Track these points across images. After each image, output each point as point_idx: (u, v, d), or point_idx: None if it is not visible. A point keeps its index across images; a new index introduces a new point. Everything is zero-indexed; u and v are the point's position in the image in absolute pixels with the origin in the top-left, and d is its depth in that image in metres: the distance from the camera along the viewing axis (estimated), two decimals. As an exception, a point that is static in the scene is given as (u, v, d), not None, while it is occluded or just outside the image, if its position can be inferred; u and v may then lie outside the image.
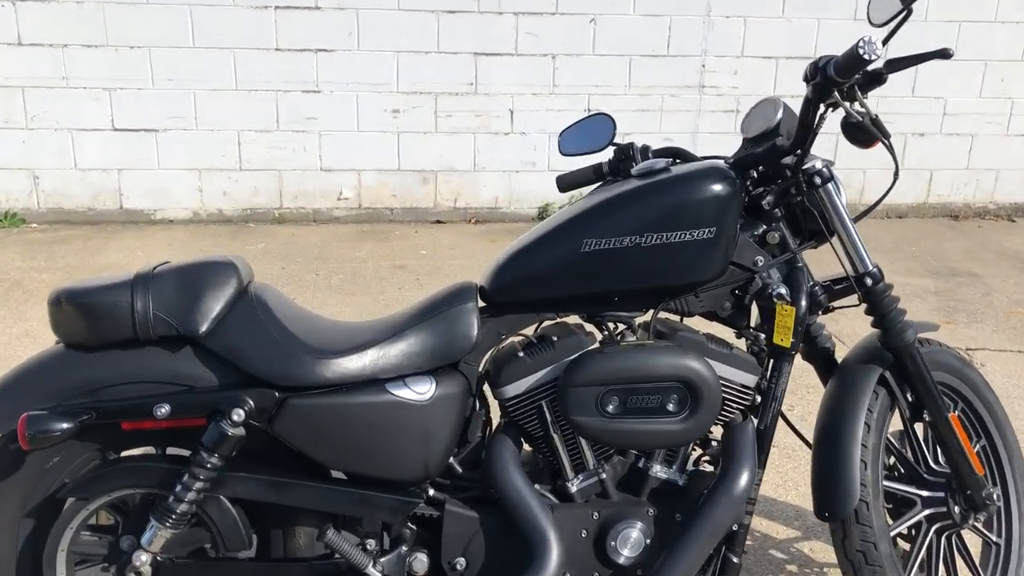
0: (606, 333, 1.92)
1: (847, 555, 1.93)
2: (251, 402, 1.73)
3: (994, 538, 2.17)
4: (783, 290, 1.90)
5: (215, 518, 1.79)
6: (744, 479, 1.83)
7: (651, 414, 1.79)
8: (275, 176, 5.76)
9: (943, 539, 2.09)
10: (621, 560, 1.86)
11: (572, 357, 1.84)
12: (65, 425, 1.66)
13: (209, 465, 1.72)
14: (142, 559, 1.73)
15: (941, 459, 2.13)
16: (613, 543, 1.86)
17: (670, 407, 1.79)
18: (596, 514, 1.87)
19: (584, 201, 1.94)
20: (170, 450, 1.85)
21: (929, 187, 6.31)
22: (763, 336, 1.95)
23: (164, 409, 1.72)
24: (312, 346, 1.78)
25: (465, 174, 5.89)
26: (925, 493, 2.07)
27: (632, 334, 1.90)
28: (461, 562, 1.84)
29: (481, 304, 1.89)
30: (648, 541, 1.87)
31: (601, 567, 1.88)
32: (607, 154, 2.12)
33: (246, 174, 5.74)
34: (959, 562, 2.11)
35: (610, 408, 1.78)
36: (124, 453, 1.85)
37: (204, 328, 1.73)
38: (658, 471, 1.91)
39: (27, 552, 1.83)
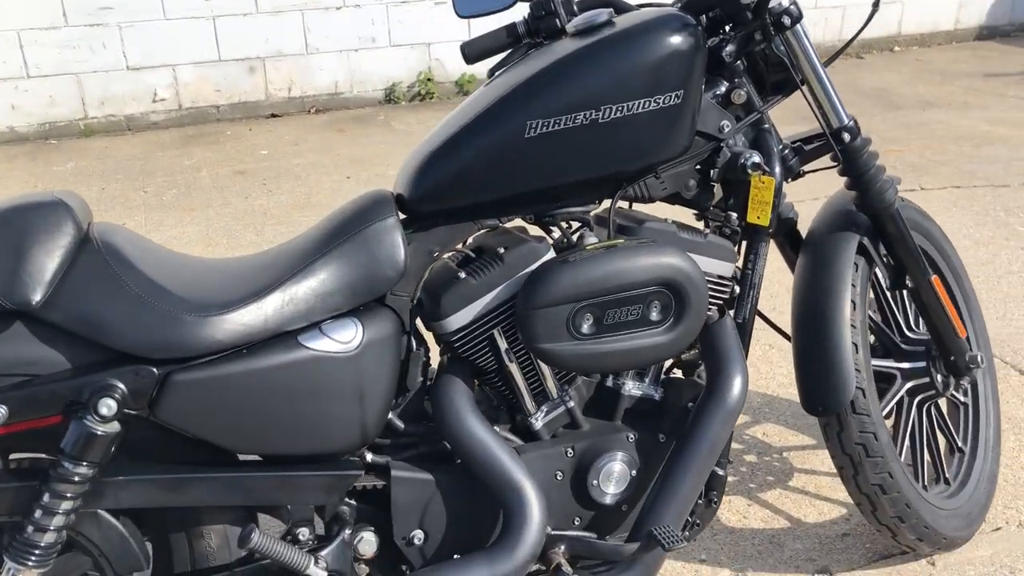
0: (560, 236, 1.57)
1: (844, 449, 1.72)
2: (122, 386, 1.29)
3: (962, 398, 2.03)
4: (757, 158, 1.59)
5: (95, 539, 1.36)
6: (737, 385, 1.55)
7: (632, 327, 1.46)
8: (73, 81, 4.95)
9: (924, 412, 1.92)
10: (607, 500, 1.57)
11: (528, 270, 1.47)
12: None
13: (76, 477, 1.28)
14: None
15: (916, 327, 1.94)
16: (595, 482, 1.56)
17: (653, 316, 1.47)
18: (570, 451, 1.56)
19: (513, 74, 1.54)
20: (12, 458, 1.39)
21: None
22: (734, 216, 1.65)
23: (2, 410, 1.26)
24: (193, 300, 1.34)
25: (297, 58, 5.25)
26: (905, 365, 1.88)
27: (591, 233, 1.55)
28: (418, 535, 1.50)
29: (402, 217, 1.49)
30: (634, 472, 1.58)
31: (582, 511, 1.58)
32: (519, 11, 1.71)
33: (36, 82, 4.90)
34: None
35: (584, 328, 1.44)
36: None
37: (38, 295, 1.26)
38: (631, 388, 1.61)
39: None
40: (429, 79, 5.48)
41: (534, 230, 1.59)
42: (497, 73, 1.63)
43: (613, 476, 1.56)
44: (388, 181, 4.25)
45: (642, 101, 1.45)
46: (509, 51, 1.69)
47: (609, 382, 1.62)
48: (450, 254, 1.55)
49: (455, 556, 1.48)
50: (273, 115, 5.28)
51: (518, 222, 1.59)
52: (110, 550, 1.37)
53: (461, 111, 1.54)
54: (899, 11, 6.33)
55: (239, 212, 3.83)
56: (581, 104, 1.44)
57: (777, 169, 1.62)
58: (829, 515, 2.06)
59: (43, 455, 1.37)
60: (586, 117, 1.44)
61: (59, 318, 1.28)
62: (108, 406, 1.26)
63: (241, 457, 1.45)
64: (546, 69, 1.47)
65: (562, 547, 1.49)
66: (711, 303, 1.60)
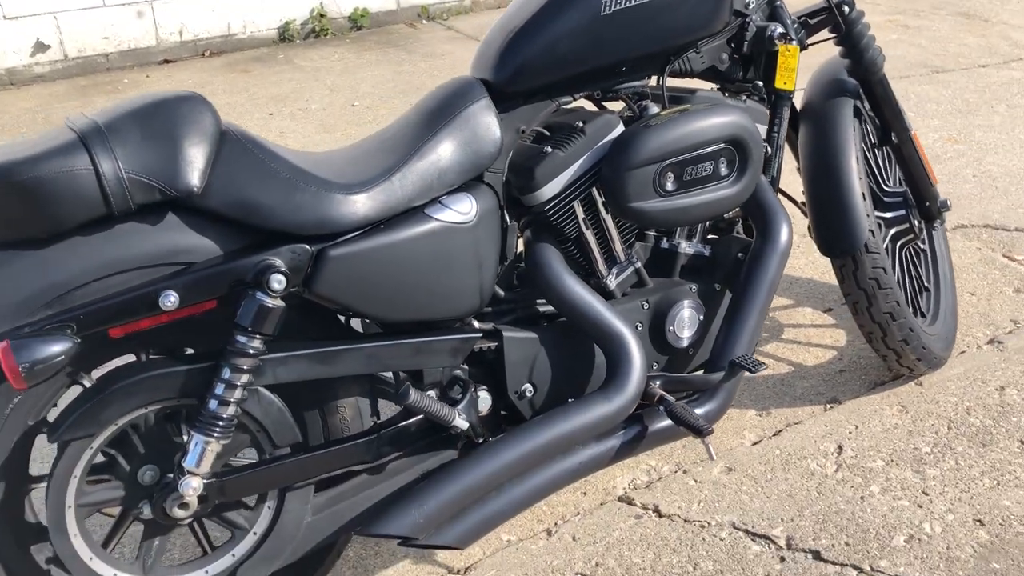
0: (624, 109, 1.73)
1: (859, 285, 1.97)
2: (283, 264, 1.37)
3: (922, 245, 2.32)
4: (782, 29, 1.80)
5: (257, 414, 1.44)
6: (785, 231, 1.77)
7: (706, 182, 1.65)
8: (-56, 34, 4.64)
9: (904, 254, 2.21)
10: (681, 343, 1.77)
11: (606, 140, 1.63)
12: (62, 346, 1.23)
13: (251, 351, 1.36)
14: (193, 485, 1.37)
15: (893, 180, 2.21)
16: (671, 328, 1.76)
17: (722, 171, 1.66)
18: (645, 304, 1.74)
19: None
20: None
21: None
22: (761, 84, 1.86)
23: (172, 298, 1.31)
24: (335, 180, 1.43)
25: (187, 0, 5.09)
26: (888, 215, 2.15)
27: (653, 104, 1.72)
28: (528, 388, 1.65)
29: None
30: (700, 317, 1.78)
31: (659, 356, 1.78)
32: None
33: (-98, 37, 4.57)
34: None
35: (668, 185, 1.61)
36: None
37: (198, 182, 1.32)
38: (685, 247, 1.81)
39: (10, 522, 1.39)
40: (322, 15, 5.43)
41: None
42: None
43: (685, 322, 1.76)
44: (312, 115, 4.28)
45: None
46: None
47: (665, 243, 1.81)
48: (529, 133, 1.68)
49: (563, 402, 1.64)
50: (166, 60, 5.11)
51: (582, 102, 1.74)
52: (270, 424, 1.46)
53: None
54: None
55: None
56: None
57: (797, 38, 1.83)
58: (824, 357, 2.34)
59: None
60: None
61: (215, 204, 1.34)
62: (279, 281, 1.35)
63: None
64: None
65: (658, 383, 1.68)
66: None
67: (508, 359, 1.62)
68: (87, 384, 1.38)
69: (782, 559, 1.74)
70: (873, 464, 1.96)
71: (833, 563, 1.72)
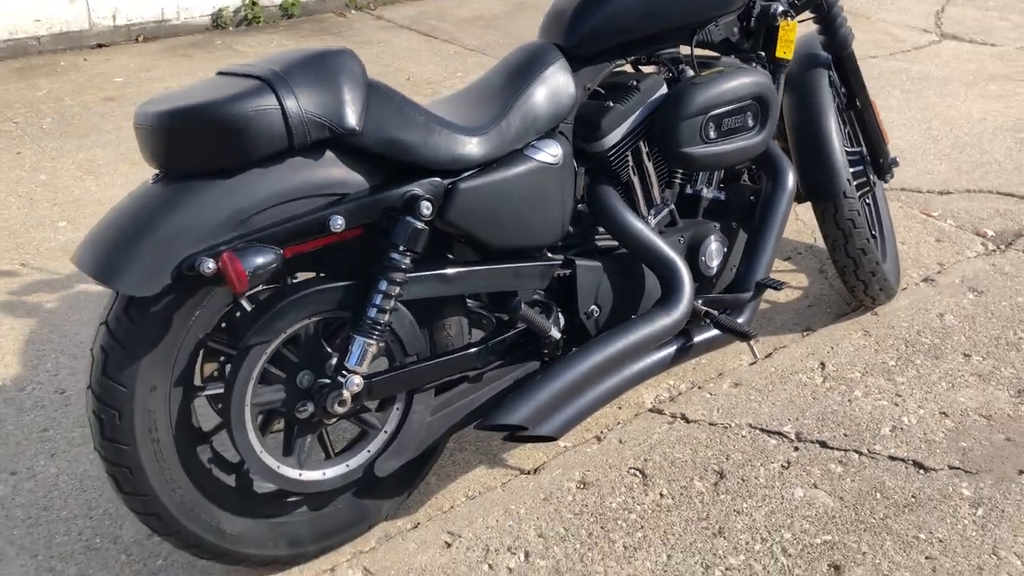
0: (664, 71, 2.04)
1: (839, 225, 2.35)
2: (427, 193, 1.62)
3: (869, 200, 2.74)
4: (783, 7, 2.15)
5: (395, 325, 1.68)
6: (790, 176, 2.13)
7: (738, 132, 1.98)
8: None
9: (861, 203, 2.61)
10: (711, 271, 2.10)
11: (656, 96, 1.94)
12: (274, 255, 1.44)
13: (404, 266, 1.60)
14: (356, 382, 1.59)
15: (853, 141, 2.61)
16: (703, 258, 2.08)
17: (750, 123, 1.99)
18: (681, 239, 2.06)
19: None
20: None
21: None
22: (763, 54, 2.21)
23: (339, 221, 1.54)
24: (460, 124, 1.68)
25: (121, -16, 5.11)
26: (851, 170, 2.55)
27: (688, 68, 2.03)
28: (595, 309, 1.94)
29: None
30: (725, 250, 2.11)
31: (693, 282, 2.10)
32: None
33: None
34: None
35: (711, 134, 1.94)
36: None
37: (358, 123, 1.55)
38: (707, 192, 2.14)
39: (188, 421, 1.58)
40: (255, 3, 5.53)
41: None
42: None
43: (713, 254, 2.09)
44: None
45: None
46: None
47: (689, 189, 2.13)
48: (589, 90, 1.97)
49: (619, 321, 1.94)
50: (99, 45, 5.11)
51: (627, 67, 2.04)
52: (404, 335, 1.70)
53: None
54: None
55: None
56: None
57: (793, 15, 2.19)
58: (793, 296, 2.73)
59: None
60: None
61: (368, 143, 1.57)
62: (427, 207, 1.59)
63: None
64: None
65: (700, 302, 2.00)
66: None
67: (580, 284, 1.90)
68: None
69: (796, 448, 2.09)
70: (852, 375, 2.35)
71: (838, 449, 2.08)
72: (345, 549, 1.82)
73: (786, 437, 2.13)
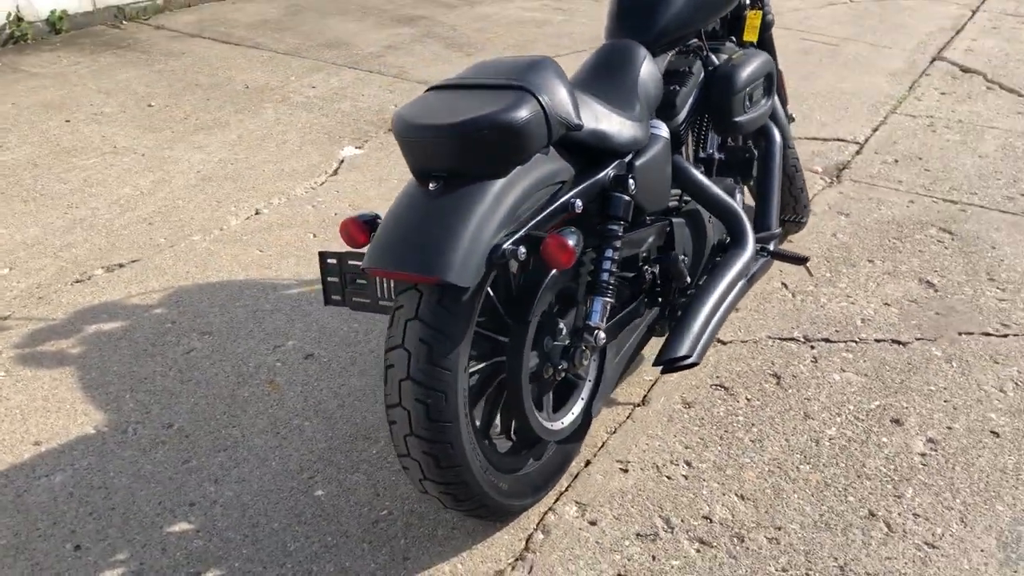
0: (698, 56, 2.46)
1: (785, 171, 2.94)
2: (622, 172, 1.93)
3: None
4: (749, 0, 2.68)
5: None
6: (778, 133, 2.66)
7: (760, 101, 2.47)
8: None
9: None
10: None
11: (702, 77, 2.37)
12: (578, 235, 1.69)
13: (620, 233, 1.90)
14: (601, 337, 1.87)
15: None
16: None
17: (764, 93, 2.49)
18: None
19: None
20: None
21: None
22: (733, 39, 2.72)
23: (579, 203, 1.82)
24: (628, 113, 2.00)
25: None
26: (765, 127, 3.16)
27: (712, 53, 2.48)
28: (684, 257, 2.35)
29: None
30: (740, 197, 2.61)
31: None
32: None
33: None
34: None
35: (749, 103, 2.41)
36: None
37: (580, 118, 1.82)
38: (716, 155, 2.62)
39: (475, 396, 1.78)
40: (20, 19, 5.09)
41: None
42: None
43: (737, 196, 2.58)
44: (117, 119, 4.21)
45: None
46: None
47: (702, 153, 2.60)
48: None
49: (697, 265, 2.37)
50: None
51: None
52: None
53: None
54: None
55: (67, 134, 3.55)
56: None
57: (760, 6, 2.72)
58: (726, 236, 3.30)
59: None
60: None
61: (582, 136, 1.85)
62: (632, 183, 1.91)
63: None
64: None
65: (750, 240, 2.48)
66: None
67: (676, 237, 2.30)
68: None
69: (812, 347, 2.66)
70: (808, 288, 2.96)
71: (839, 341, 2.68)
72: (551, 492, 2.09)
73: (798, 341, 2.69)
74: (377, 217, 1.86)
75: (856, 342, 2.68)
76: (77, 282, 2.85)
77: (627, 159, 1.99)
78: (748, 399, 2.43)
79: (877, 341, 2.69)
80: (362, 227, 1.83)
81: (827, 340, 2.69)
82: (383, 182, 3.61)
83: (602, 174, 1.90)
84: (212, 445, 2.20)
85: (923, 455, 2.25)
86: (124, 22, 5.60)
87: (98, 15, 5.51)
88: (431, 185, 1.68)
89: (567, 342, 1.90)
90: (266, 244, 3.11)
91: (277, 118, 4.22)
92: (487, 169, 1.68)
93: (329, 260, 1.98)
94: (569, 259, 1.66)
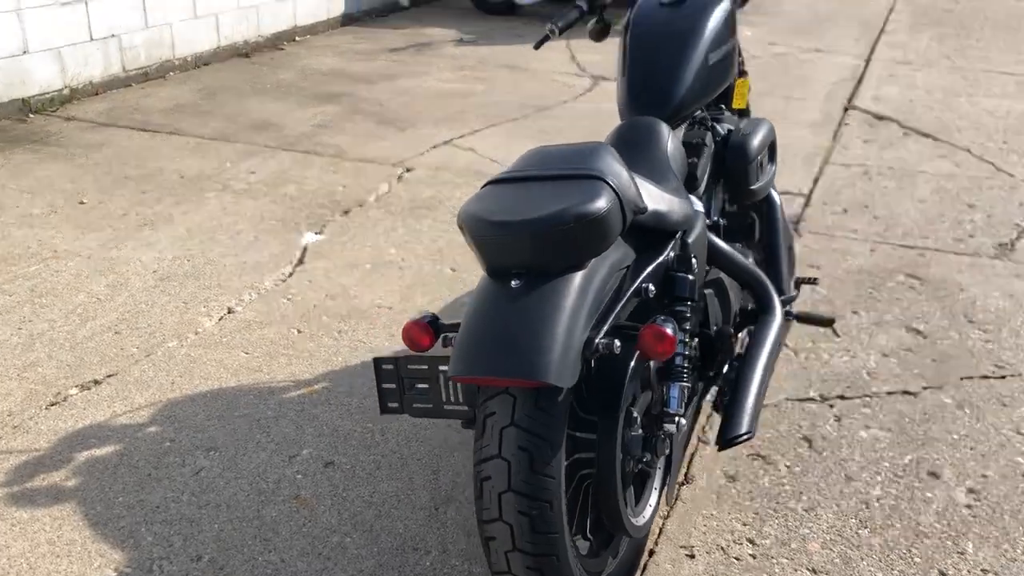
0: (705, 127, 2.46)
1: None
2: (683, 251, 1.90)
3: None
4: (741, 68, 2.72)
5: None
6: (777, 196, 2.69)
7: (767, 167, 2.49)
8: None
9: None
10: None
11: (713, 148, 2.38)
12: (673, 323, 1.63)
13: (689, 314, 1.86)
14: (683, 423, 1.81)
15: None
16: None
17: (771, 158, 2.52)
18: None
19: (664, 25, 2.35)
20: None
21: (218, 32, 6.70)
22: (723, 106, 2.75)
23: (651, 286, 1.77)
24: (671, 189, 1.97)
25: None
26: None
27: (716, 123, 2.49)
28: (715, 325, 2.33)
29: None
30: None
31: None
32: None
33: None
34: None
35: (761, 170, 2.42)
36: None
37: (644, 203, 1.78)
38: (721, 221, 2.62)
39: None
40: (-81, 119, 4.75)
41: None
42: (630, 25, 2.39)
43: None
44: (46, 220, 4.39)
45: (732, 40, 2.46)
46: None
47: (708, 220, 2.61)
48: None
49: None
50: None
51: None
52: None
53: (651, 49, 2.29)
54: (292, 7, 7.39)
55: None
56: (721, 41, 2.38)
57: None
58: (711, 298, 3.31)
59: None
60: (721, 51, 2.39)
61: (644, 218, 1.82)
62: (695, 262, 1.89)
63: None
64: (696, 25, 2.35)
65: (771, 306, 2.48)
66: None
67: (709, 309, 2.28)
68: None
69: (831, 406, 2.67)
70: (807, 345, 2.99)
71: (854, 398, 2.70)
72: (625, 588, 2.00)
73: (816, 400, 2.70)
74: (435, 318, 1.77)
75: (870, 396, 2.71)
76: (52, 405, 2.61)
77: (679, 237, 1.96)
78: (787, 466, 2.41)
79: (889, 394, 2.73)
80: (425, 329, 1.74)
81: (842, 397, 2.71)
82: (355, 268, 3.48)
83: (664, 255, 1.87)
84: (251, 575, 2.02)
85: (969, 507, 2.26)
86: (31, 115, 5.30)
87: (1, 110, 5.20)
88: (513, 283, 1.61)
89: (645, 432, 1.83)
90: (250, 345, 2.93)
91: (223, 208, 4.04)
92: (569, 262, 1.62)
93: (385, 366, 1.86)
94: (669, 348, 1.60)
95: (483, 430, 1.60)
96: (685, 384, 1.85)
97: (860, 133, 5.24)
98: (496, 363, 1.53)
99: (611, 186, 1.66)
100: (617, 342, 1.59)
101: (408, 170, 4.55)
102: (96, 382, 2.73)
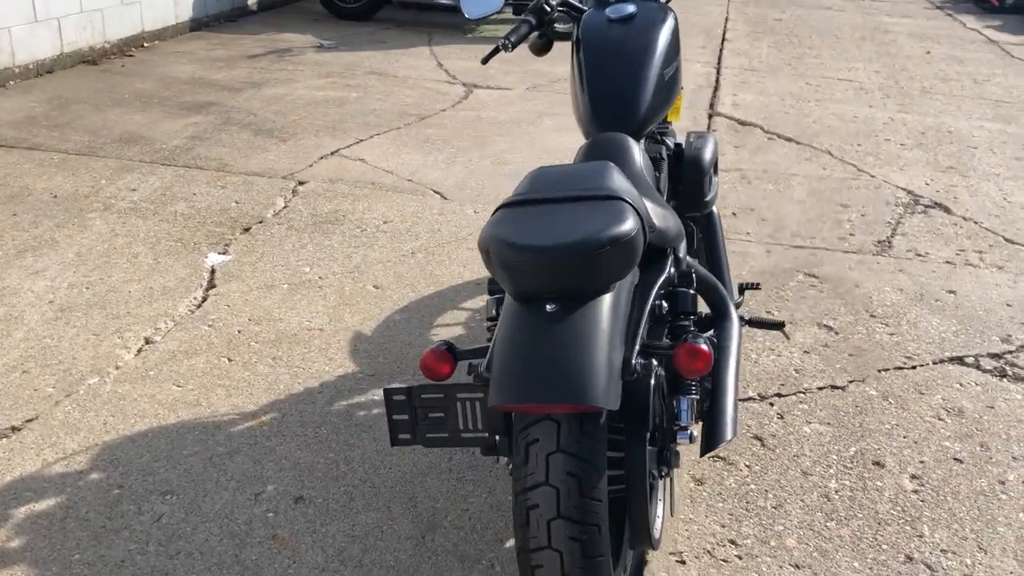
0: (657, 141, 2.52)
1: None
2: (681, 267, 1.94)
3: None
4: (677, 85, 2.80)
5: None
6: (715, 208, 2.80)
7: (714, 178, 2.58)
8: None
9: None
10: None
11: (667, 162, 2.45)
12: (705, 339, 1.67)
13: (692, 328, 1.90)
14: (695, 434, 1.85)
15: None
16: None
17: (715, 170, 2.61)
18: None
19: (620, 43, 2.39)
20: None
21: (61, 37, 6.23)
22: (668, 121, 2.82)
23: (664, 304, 1.80)
24: (662, 205, 2.01)
25: None
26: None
27: (667, 139, 2.56)
28: None
29: None
30: None
31: None
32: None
33: None
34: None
35: (710, 182, 2.51)
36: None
37: (657, 226, 1.81)
38: None
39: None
40: None
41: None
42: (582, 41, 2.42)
43: None
44: None
45: (679, 56, 2.54)
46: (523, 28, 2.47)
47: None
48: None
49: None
50: None
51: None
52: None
53: (597, 66, 2.33)
54: (139, 11, 6.97)
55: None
56: (671, 57, 2.45)
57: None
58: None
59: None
60: (673, 67, 2.46)
61: (653, 238, 1.85)
62: (695, 277, 1.93)
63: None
64: (645, 35, 2.40)
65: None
66: None
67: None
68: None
69: (771, 404, 2.80)
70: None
71: (790, 395, 2.85)
72: (631, 600, 2.02)
73: (756, 399, 2.82)
74: (451, 345, 1.74)
75: (803, 392, 2.86)
76: (-30, 457, 2.37)
77: (672, 253, 2.00)
78: (747, 465, 2.51)
79: (819, 389, 2.89)
80: (444, 357, 1.70)
81: (779, 395, 2.85)
82: (273, 289, 3.34)
83: (667, 272, 1.90)
84: (245, 626, 1.91)
85: (916, 492, 2.44)
86: None
87: None
88: (548, 307, 1.60)
89: (659, 445, 1.86)
90: (180, 378, 2.76)
91: (111, 229, 3.77)
92: (600, 284, 1.62)
93: (396, 396, 1.80)
94: (707, 365, 1.64)
95: (525, 458, 1.58)
96: (694, 397, 1.89)
97: (729, 139, 5.50)
98: (544, 390, 1.51)
99: (632, 206, 1.68)
100: (655, 362, 1.61)
101: (301, 183, 4.40)
102: (15, 429, 2.49)
